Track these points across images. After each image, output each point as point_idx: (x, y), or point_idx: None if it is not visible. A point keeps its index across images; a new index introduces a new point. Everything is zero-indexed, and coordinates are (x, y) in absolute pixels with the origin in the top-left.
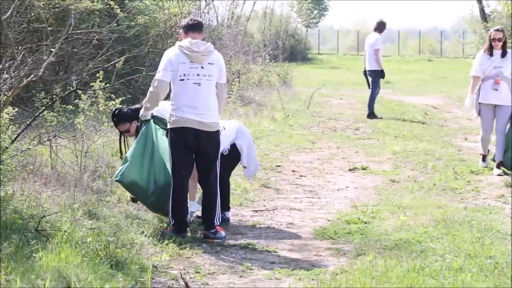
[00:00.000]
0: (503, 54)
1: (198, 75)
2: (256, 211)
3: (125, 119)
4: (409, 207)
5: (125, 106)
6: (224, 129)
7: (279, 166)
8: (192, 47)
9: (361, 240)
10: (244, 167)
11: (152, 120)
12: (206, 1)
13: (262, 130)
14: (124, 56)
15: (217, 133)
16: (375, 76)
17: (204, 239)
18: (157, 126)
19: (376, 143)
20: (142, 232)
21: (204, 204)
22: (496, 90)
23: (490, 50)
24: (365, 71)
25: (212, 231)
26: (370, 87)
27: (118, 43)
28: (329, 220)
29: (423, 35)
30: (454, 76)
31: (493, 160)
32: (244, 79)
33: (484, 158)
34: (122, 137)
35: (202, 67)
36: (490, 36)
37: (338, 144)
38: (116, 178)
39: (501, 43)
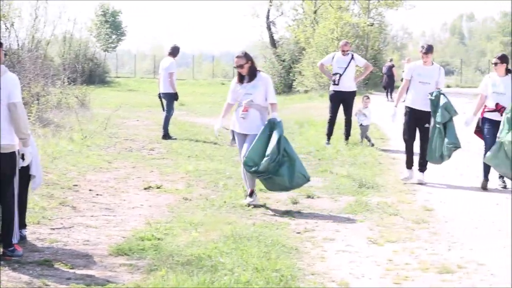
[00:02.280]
0: (251, 79)
1: None
2: (53, 229)
3: None
4: (200, 224)
5: None
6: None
7: (76, 185)
8: None
9: (154, 256)
10: (33, 176)
11: None
12: (5, 25)
13: (60, 150)
14: None
15: (11, 154)
16: (170, 99)
17: (1, 257)
18: None
19: (170, 162)
20: None
21: (2, 222)
22: (243, 118)
23: (240, 78)
24: (159, 94)
25: (10, 249)
26: (165, 109)
27: None
28: (124, 237)
29: (216, 59)
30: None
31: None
32: (43, 101)
33: (251, 194)
34: None
35: None
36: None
37: (133, 163)
38: None
39: (243, 69)
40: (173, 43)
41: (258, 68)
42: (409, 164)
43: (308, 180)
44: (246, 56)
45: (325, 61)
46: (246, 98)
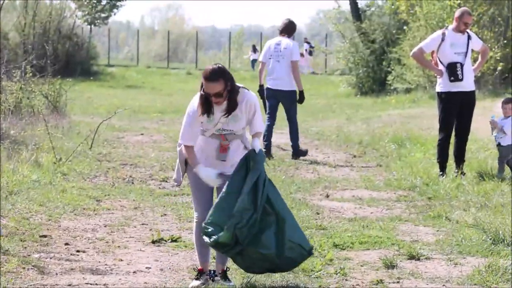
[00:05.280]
0: (230, 111)
1: None
2: None
3: None
4: None
5: None
6: None
7: (45, 236)
8: None
9: None
10: None
11: None
12: None
13: (20, 181)
14: None
15: None
16: (292, 100)
17: None
18: None
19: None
20: None
21: None
22: (224, 160)
23: (206, 109)
24: (261, 89)
25: None
26: (289, 118)
27: None
28: None
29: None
30: (314, 100)
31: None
32: None
33: (200, 274)
34: None
35: None
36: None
37: (136, 203)
38: None
39: (221, 98)
40: (286, 18)
41: (239, 85)
42: None
43: (310, 254)
44: (223, 76)
45: (427, 46)
46: (220, 132)
